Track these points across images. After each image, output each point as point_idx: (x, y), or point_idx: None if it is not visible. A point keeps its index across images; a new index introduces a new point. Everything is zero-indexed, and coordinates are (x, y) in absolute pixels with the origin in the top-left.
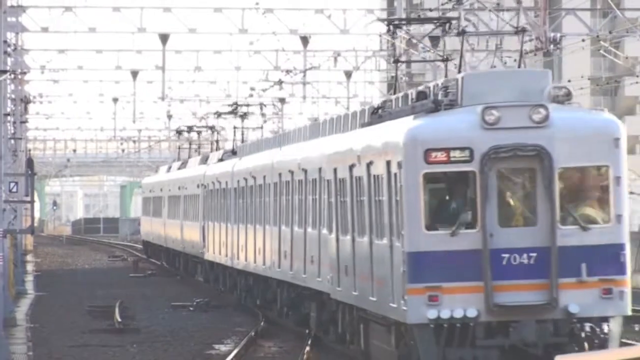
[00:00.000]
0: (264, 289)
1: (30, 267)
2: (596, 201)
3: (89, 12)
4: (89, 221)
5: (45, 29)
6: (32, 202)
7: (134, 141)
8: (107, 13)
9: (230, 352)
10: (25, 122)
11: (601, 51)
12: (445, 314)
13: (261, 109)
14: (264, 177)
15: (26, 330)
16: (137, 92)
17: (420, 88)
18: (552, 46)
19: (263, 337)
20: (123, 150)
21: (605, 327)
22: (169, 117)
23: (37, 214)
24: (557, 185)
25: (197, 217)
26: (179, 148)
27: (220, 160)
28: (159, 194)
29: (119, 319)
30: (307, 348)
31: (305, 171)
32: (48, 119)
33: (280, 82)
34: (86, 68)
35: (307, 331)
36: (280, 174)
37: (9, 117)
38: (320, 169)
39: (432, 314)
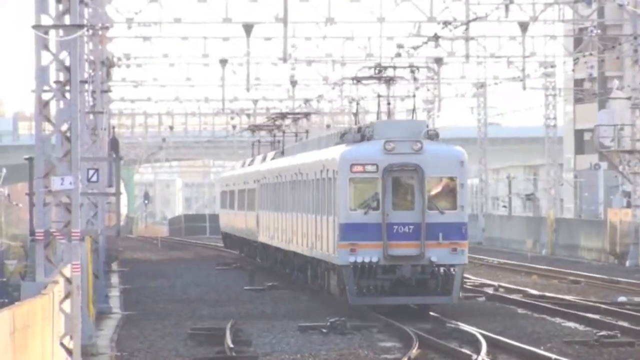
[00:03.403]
0: (288, 260)
1: (115, 279)
2: (449, 197)
3: None
4: (190, 219)
5: None
6: (117, 194)
7: (248, 115)
8: None
9: None
10: (107, 91)
11: None
12: (359, 259)
13: (413, 72)
14: (284, 175)
15: None
16: (251, 52)
17: (359, 126)
18: None
19: None
20: (234, 127)
21: (453, 270)
22: (293, 83)
23: (124, 210)
24: (426, 187)
25: (254, 207)
26: (256, 143)
27: (273, 159)
28: (232, 187)
29: (231, 345)
30: None
31: (302, 174)
32: (137, 87)
33: (436, 38)
34: (185, 21)
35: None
36: (291, 174)
37: (86, 86)
38: (308, 173)
39: (352, 259)
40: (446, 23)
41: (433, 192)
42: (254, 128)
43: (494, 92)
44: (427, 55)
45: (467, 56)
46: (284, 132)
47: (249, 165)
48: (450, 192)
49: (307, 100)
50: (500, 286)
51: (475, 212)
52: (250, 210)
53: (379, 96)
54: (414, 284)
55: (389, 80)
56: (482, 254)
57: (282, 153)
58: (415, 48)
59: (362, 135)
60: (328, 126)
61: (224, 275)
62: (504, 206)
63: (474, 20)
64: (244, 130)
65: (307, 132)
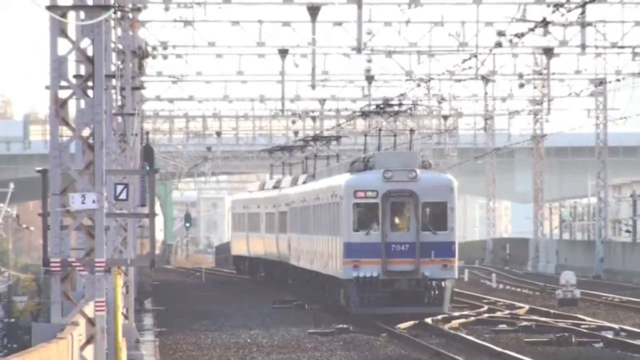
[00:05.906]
0: (312, 280)
1: (149, 320)
2: (440, 219)
3: None
4: None
5: None
6: (151, 215)
7: (314, 118)
8: None
9: None
10: (140, 87)
11: None
12: (362, 274)
13: (413, 108)
14: (309, 200)
15: None
16: (317, 40)
17: (364, 156)
18: None
19: None
20: (296, 133)
21: (443, 284)
22: (369, 79)
23: (159, 236)
24: (420, 211)
25: (285, 230)
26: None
27: (304, 182)
28: (256, 210)
29: None
30: None
31: (319, 198)
32: (176, 82)
33: (545, 24)
34: (236, 1)
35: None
36: (313, 198)
37: (113, 81)
38: (322, 197)
39: (354, 274)
40: (558, 5)
41: (427, 215)
42: (277, 149)
43: (616, 90)
44: (533, 44)
45: (583, 46)
46: (315, 156)
47: (273, 187)
48: (442, 215)
49: (386, 101)
50: (622, 329)
51: (591, 239)
52: (282, 232)
53: (379, 130)
54: (410, 296)
55: (396, 114)
56: (600, 289)
57: (313, 177)
58: (519, 36)
59: (365, 164)
60: (412, 131)
61: (281, 315)
62: (628, 231)
63: (592, 1)
64: (272, 149)
65: (337, 155)
